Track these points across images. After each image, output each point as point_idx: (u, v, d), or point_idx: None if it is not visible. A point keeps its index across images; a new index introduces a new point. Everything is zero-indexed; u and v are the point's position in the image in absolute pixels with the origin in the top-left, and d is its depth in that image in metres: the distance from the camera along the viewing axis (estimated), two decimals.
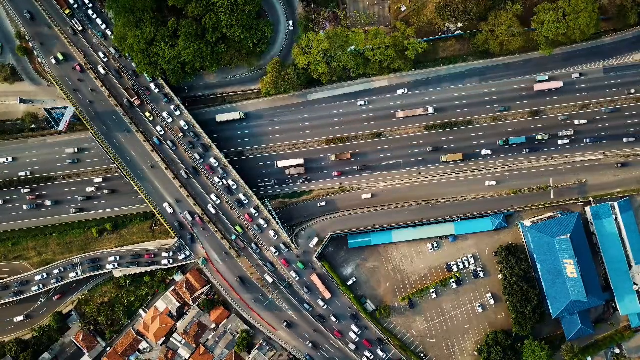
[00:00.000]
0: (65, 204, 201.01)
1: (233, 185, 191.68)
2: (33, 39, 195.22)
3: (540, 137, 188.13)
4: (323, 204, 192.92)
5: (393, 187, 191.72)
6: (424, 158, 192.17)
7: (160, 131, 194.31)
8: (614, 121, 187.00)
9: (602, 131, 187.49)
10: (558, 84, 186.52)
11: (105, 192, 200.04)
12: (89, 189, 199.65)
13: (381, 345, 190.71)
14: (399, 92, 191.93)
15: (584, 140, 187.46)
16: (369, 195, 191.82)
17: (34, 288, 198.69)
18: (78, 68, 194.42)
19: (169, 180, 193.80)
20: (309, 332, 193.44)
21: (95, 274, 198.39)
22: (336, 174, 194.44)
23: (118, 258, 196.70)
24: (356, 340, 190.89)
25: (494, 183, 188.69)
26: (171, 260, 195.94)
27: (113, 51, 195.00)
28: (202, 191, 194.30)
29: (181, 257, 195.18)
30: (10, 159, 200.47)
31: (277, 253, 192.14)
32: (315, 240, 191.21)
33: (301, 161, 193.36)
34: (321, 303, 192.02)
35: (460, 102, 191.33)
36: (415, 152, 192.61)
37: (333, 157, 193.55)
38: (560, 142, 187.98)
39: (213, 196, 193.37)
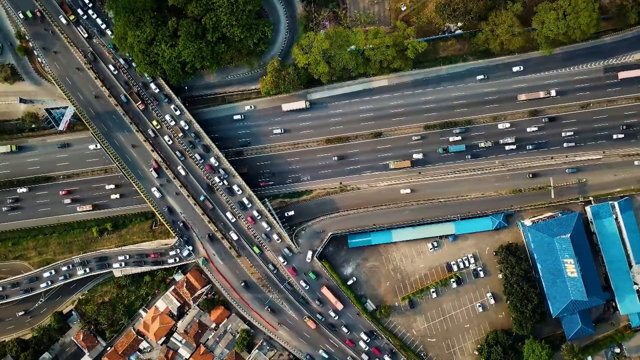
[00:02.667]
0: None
1: (238, 190, 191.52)
2: (34, 38, 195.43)
3: (482, 145, 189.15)
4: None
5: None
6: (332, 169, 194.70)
7: (169, 141, 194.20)
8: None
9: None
10: None
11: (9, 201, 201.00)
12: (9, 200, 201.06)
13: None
14: (515, 69, 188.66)
15: (527, 147, 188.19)
16: (292, 213, 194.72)
17: (42, 285, 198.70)
18: (38, 13, 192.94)
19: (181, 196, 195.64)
20: (310, 333, 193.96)
21: (100, 272, 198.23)
22: (263, 183, 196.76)
23: (127, 257, 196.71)
24: (366, 349, 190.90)
25: (408, 191, 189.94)
26: (177, 259, 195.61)
27: (122, 62, 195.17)
28: (219, 211, 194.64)
29: (185, 252, 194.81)
30: (98, 146, 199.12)
31: (285, 262, 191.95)
32: (310, 253, 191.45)
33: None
34: (332, 314, 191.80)
35: (460, 101, 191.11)
36: (411, 152, 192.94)
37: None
38: (507, 147, 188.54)
39: (228, 214, 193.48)
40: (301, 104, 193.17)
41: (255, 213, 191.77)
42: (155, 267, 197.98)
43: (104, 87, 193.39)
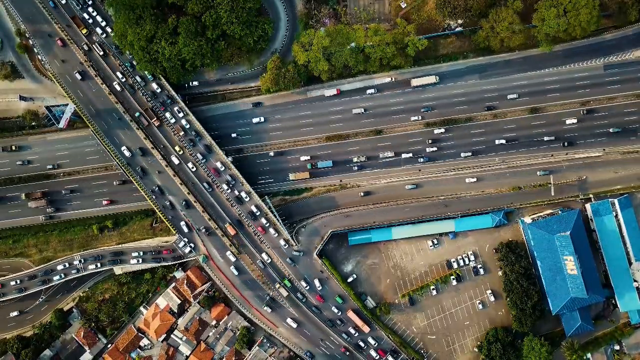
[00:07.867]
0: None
1: (246, 197, 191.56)
2: (34, 36, 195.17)
3: (355, 160, 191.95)
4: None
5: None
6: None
7: (192, 168, 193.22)
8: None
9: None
10: None
11: None
12: None
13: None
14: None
15: (419, 159, 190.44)
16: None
17: (56, 277, 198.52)
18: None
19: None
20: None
21: (108, 268, 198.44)
22: (106, 202, 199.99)
23: (141, 253, 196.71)
24: (377, 358, 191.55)
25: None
26: (191, 247, 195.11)
27: (139, 79, 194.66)
28: (252, 249, 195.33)
29: (187, 249, 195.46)
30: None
31: (307, 287, 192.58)
32: (317, 281, 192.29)
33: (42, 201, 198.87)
34: (352, 331, 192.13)
35: (460, 99, 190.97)
36: (414, 148, 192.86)
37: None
38: (404, 155, 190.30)
39: (264, 255, 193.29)
40: (432, 79, 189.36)
41: (263, 221, 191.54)
42: (172, 263, 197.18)
43: (125, 113, 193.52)
